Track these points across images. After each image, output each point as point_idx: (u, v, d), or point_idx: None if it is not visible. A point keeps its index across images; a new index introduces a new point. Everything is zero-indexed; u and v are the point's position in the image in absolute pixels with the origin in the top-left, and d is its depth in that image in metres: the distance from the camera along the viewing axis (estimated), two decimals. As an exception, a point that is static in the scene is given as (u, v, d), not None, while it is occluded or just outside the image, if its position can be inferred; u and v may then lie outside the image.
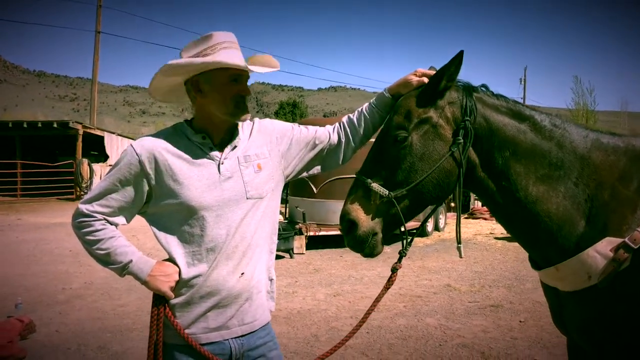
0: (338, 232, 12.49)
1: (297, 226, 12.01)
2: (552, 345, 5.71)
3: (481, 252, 12.11)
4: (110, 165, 27.53)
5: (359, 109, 2.57)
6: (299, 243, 11.81)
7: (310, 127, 2.55)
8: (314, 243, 12.60)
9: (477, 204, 22.05)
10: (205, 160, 2.19)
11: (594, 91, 34.78)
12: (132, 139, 32.68)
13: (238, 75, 2.19)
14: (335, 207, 12.34)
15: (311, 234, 12.24)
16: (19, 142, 28.01)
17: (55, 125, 25.56)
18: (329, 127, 2.56)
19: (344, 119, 2.59)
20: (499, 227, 16.42)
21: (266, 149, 2.35)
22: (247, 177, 2.24)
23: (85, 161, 25.59)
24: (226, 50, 2.16)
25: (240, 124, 2.35)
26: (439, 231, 15.57)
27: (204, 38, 2.19)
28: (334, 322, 6.58)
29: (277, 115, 57.24)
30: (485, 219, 18.62)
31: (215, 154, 2.22)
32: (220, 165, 2.20)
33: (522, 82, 51.28)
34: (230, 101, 2.18)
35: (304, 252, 11.85)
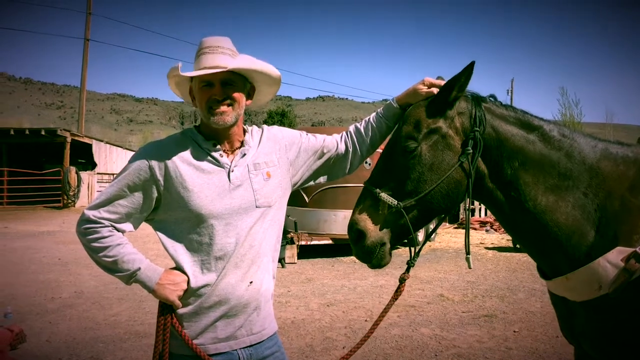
0: (330, 242, 12.50)
1: (288, 235, 11.96)
2: (547, 356, 5.72)
3: (472, 263, 12.08)
4: (98, 174, 27.39)
5: (366, 119, 2.56)
6: (290, 252, 11.75)
7: (318, 135, 2.53)
8: (306, 252, 12.57)
9: (466, 214, 22.10)
10: (215, 167, 2.17)
11: (580, 103, 35.16)
12: (120, 147, 32.57)
13: (209, 81, 2.14)
14: (327, 217, 12.34)
15: (303, 243, 12.21)
16: (6, 149, 27.77)
17: (43, 133, 25.36)
18: (336, 136, 2.55)
19: (351, 128, 2.58)
20: (489, 237, 16.57)
21: (275, 157, 2.33)
22: (256, 185, 2.22)
23: (73, 169, 25.38)
24: (201, 57, 2.14)
25: (249, 131, 2.33)
26: (430, 241, 15.58)
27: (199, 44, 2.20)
28: (329, 332, 6.54)
29: (265, 124, 57.31)
30: (475, 229, 18.70)
31: (225, 161, 2.19)
32: (230, 173, 2.18)
33: (510, 94, 51.74)
34: (205, 107, 2.15)
35: (295, 261, 11.80)
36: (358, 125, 2.56)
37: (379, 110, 2.55)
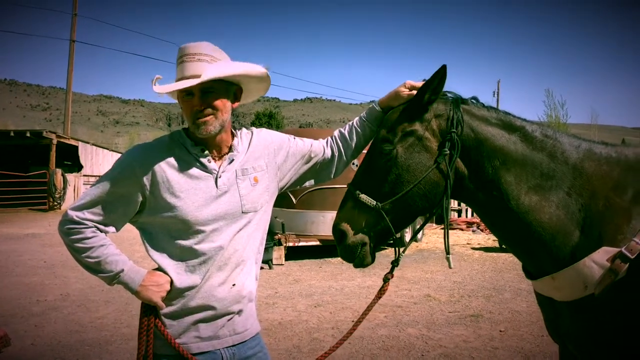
0: (317, 243, 12.49)
1: (276, 237, 11.96)
2: (532, 355, 5.76)
3: (459, 263, 12.19)
4: (85, 176, 27.18)
5: (350, 123, 2.58)
6: (278, 254, 11.75)
7: (305, 139, 2.54)
8: (293, 254, 12.55)
9: (453, 215, 22.24)
10: (202, 173, 2.16)
11: (565, 104, 35.52)
12: (107, 149, 32.34)
13: (189, 91, 2.10)
14: (314, 218, 12.34)
15: (290, 244, 12.20)
16: (-10, 151, 27.46)
17: (28, 135, 25.08)
18: (322, 141, 2.57)
19: (336, 133, 2.60)
20: (476, 237, 16.66)
21: (264, 162, 2.34)
22: (243, 191, 2.22)
23: (59, 171, 25.13)
24: (181, 66, 2.11)
25: (238, 135, 2.33)
26: (416, 241, 15.64)
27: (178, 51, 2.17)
28: (316, 333, 6.54)
29: (253, 126, 57.15)
30: (462, 229, 18.79)
31: (213, 167, 2.19)
32: (218, 179, 2.17)
33: (496, 95, 52.07)
34: (189, 116, 2.13)
35: (283, 262, 11.79)
36: (342, 130, 2.58)
37: (362, 114, 2.58)
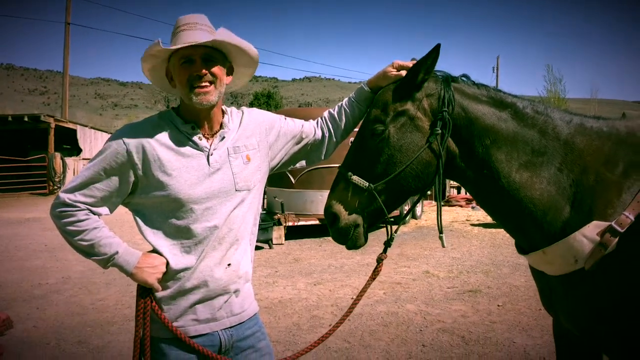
0: (317, 222, 12.53)
1: (275, 217, 12.00)
2: (529, 328, 5.82)
3: (458, 239, 12.25)
4: (84, 159, 27.15)
5: (339, 104, 2.57)
6: (277, 233, 11.80)
7: (296, 120, 2.53)
8: (293, 233, 12.61)
9: (453, 192, 22.28)
10: (194, 151, 2.15)
11: (563, 79, 35.32)
12: (105, 132, 32.24)
13: (189, 57, 2.08)
14: (313, 197, 12.37)
15: (290, 224, 12.25)
16: (-11, 136, 27.42)
17: (26, 119, 25.05)
18: (312, 122, 2.56)
19: (325, 113, 2.59)
20: (475, 214, 16.71)
21: (255, 140, 2.32)
22: (236, 169, 2.21)
23: (58, 155, 25.12)
24: (180, 34, 2.09)
25: (228, 112, 2.31)
26: (416, 219, 15.71)
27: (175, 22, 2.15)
28: (315, 311, 6.60)
29: (252, 106, 56.78)
30: (461, 206, 18.85)
31: (204, 144, 2.17)
32: (210, 157, 2.16)
33: (495, 71, 51.77)
34: (185, 85, 2.10)
35: (283, 242, 11.85)
36: (332, 111, 2.57)
37: (351, 95, 2.56)
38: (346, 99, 2.56)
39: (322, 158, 2.59)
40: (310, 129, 2.52)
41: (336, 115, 2.54)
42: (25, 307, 6.87)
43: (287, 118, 2.52)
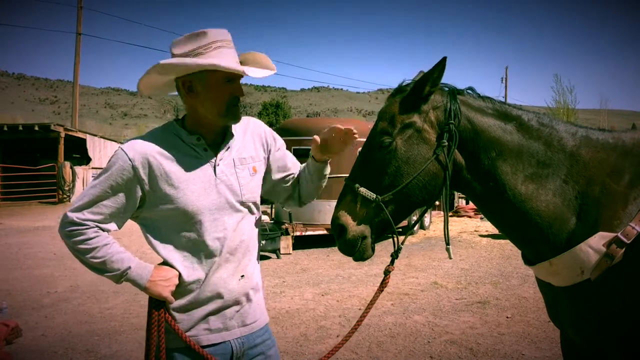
0: (325, 232, 12.52)
1: (283, 226, 12.01)
2: (539, 340, 5.78)
3: (466, 250, 12.20)
4: (93, 168, 27.30)
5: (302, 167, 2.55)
6: (285, 243, 11.80)
7: (288, 152, 2.53)
8: (301, 243, 12.61)
9: (461, 202, 22.19)
10: (200, 162, 2.15)
11: (574, 89, 35.17)
12: (115, 141, 32.42)
13: (233, 76, 2.12)
14: (321, 207, 12.36)
15: (298, 234, 12.25)
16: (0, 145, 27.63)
17: (36, 128, 25.22)
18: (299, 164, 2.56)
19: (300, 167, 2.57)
20: (484, 225, 16.62)
21: (259, 152, 2.35)
22: (242, 180, 2.21)
23: (68, 164, 25.26)
24: (219, 50, 2.09)
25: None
26: (424, 229, 15.66)
27: (198, 35, 2.09)
28: (323, 321, 6.59)
29: (261, 116, 56.94)
30: (469, 217, 18.76)
31: (210, 155, 2.17)
32: (216, 167, 2.16)
33: (504, 82, 51.76)
34: (223, 103, 2.11)
35: (290, 252, 11.85)
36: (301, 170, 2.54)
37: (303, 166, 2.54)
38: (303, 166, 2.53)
39: (298, 204, 2.59)
40: (297, 166, 2.52)
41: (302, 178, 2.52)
42: (34, 316, 6.90)
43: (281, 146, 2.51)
